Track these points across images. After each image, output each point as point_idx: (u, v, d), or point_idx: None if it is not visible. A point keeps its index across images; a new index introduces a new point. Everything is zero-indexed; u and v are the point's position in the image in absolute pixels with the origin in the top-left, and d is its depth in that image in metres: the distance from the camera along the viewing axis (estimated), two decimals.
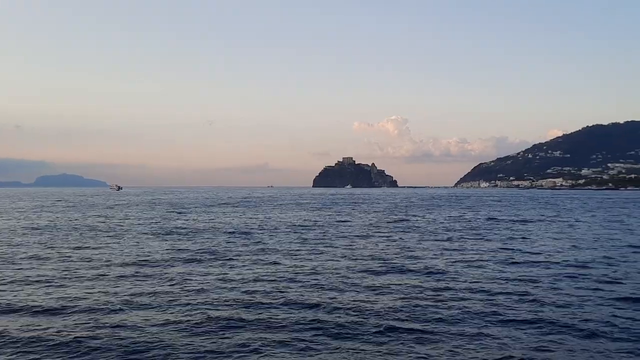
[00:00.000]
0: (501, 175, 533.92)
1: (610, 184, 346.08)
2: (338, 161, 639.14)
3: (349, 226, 45.21)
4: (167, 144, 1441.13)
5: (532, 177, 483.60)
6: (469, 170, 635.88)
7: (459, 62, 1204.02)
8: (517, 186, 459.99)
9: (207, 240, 33.30)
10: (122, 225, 44.49)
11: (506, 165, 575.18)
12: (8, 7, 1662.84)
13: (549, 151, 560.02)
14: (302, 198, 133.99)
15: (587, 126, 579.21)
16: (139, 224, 45.68)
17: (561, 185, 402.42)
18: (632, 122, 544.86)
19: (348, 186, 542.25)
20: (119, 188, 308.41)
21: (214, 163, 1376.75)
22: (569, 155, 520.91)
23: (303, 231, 39.86)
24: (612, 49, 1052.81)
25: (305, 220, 52.77)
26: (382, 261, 24.47)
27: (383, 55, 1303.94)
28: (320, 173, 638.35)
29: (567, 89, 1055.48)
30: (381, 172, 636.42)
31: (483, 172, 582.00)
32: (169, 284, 18.88)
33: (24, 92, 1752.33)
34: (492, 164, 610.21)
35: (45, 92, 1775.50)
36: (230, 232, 38.55)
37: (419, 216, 59.92)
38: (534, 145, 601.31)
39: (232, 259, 24.96)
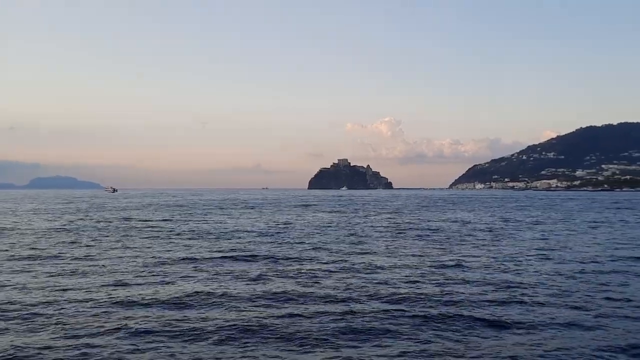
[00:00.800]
0: (496, 176, 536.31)
1: (605, 185, 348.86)
2: (333, 163, 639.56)
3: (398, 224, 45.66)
4: (160, 145, 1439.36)
5: (526, 179, 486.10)
6: (464, 172, 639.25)
7: (452, 64, 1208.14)
8: (512, 187, 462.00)
9: (277, 241, 33.61)
10: (171, 228, 44.72)
11: (500, 166, 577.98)
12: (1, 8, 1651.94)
13: (543, 152, 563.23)
14: (312, 200, 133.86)
15: (581, 128, 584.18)
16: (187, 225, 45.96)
17: (556, 186, 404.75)
18: (625, 123, 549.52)
19: (344, 188, 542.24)
20: (114, 190, 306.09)
21: (207, 164, 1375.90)
22: (563, 157, 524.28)
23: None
24: (605, 51, 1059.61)
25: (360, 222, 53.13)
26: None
27: (376, 56, 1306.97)
28: (315, 175, 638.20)
29: (560, 90, 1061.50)
30: (376, 174, 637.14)
31: (478, 174, 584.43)
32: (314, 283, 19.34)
33: (19, 93, 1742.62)
34: (486, 165, 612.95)
35: (40, 94, 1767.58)
36: (275, 233, 38.87)
37: (446, 217, 60.25)
38: (528, 146, 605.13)
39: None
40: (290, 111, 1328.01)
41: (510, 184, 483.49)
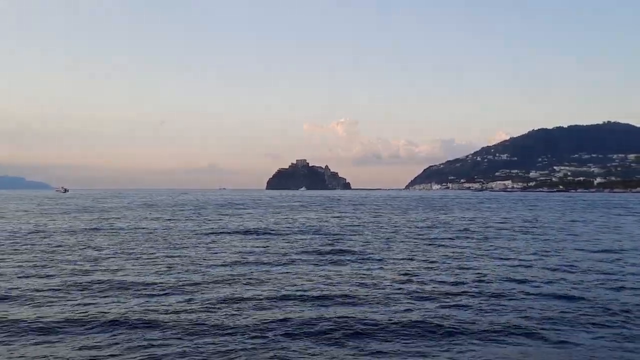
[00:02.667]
0: (452, 177, 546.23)
1: (560, 187, 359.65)
2: (292, 163, 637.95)
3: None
4: (112, 145, 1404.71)
5: (482, 180, 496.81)
6: (419, 173, 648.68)
7: (408, 64, 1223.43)
8: (469, 188, 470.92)
9: (288, 240, 31.49)
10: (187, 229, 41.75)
11: (455, 167, 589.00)
12: None
13: (497, 154, 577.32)
14: (294, 200, 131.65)
15: (533, 130, 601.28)
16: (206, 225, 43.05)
17: (512, 187, 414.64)
18: (576, 126, 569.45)
19: (302, 188, 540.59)
20: (65, 190, 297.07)
21: (160, 164, 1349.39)
22: (516, 159, 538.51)
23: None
24: (557, 55, 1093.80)
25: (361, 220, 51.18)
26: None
27: (334, 56, 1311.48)
28: (273, 175, 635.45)
29: (512, 92, 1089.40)
30: (334, 174, 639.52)
31: (433, 175, 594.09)
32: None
33: None
34: (442, 166, 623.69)
35: None
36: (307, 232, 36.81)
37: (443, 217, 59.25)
38: (482, 148, 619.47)
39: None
40: (246, 111, 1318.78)
41: (466, 185, 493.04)
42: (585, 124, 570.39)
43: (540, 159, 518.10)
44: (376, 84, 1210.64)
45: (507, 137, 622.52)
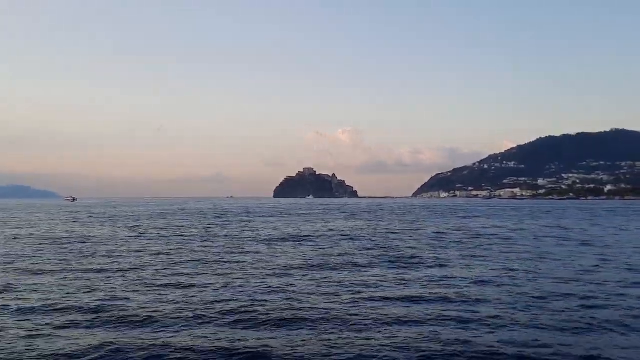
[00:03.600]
0: (459, 185, 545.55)
1: (570, 194, 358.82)
2: (299, 171, 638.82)
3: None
4: (118, 154, 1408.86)
5: (490, 187, 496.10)
6: (426, 181, 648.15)
7: (410, 74, 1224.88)
8: (476, 196, 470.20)
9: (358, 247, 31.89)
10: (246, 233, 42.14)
11: (463, 175, 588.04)
12: None
13: (504, 162, 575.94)
14: (310, 208, 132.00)
15: (540, 137, 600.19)
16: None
17: (522, 195, 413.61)
18: (583, 133, 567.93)
19: (310, 196, 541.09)
20: (74, 199, 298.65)
21: (166, 173, 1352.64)
22: (523, 166, 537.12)
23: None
24: (563, 62, 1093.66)
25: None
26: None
27: (337, 65, 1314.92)
28: (280, 183, 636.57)
29: (518, 100, 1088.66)
30: (341, 183, 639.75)
31: (440, 183, 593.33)
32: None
33: None
34: (449, 174, 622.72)
35: None
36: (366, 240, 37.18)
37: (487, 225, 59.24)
38: (489, 155, 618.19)
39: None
40: (251, 120, 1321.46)
41: (474, 193, 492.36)
42: (593, 131, 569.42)
43: (548, 167, 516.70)
44: (379, 92, 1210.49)
45: (514, 145, 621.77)
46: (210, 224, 60.51)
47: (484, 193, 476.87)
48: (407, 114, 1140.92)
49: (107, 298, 17.05)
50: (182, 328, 13.43)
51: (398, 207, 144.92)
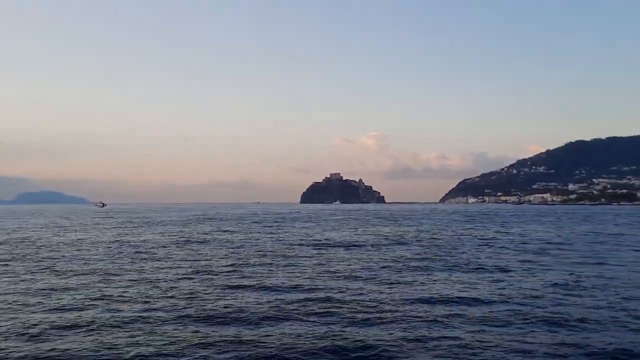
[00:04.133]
0: (488, 190, 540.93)
1: (602, 199, 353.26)
2: (326, 177, 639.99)
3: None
4: (145, 160, 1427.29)
5: (519, 193, 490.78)
6: (453, 186, 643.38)
7: (436, 78, 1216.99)
8: (505, 202, 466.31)
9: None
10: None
11: (491, 180, 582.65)
12: None
13: (533, 167, 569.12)
14: (344, 214, 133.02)
15: (570, 142, 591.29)
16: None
17: (552, 200, 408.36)
18: (614, 137, 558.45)
19: (337, 202, 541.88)
20: (103, 205, 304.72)
21: (192, 179, 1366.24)
22: (553, 171, 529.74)
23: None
24: (591, 64, 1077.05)
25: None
26: None
27: (363, 71, 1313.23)
28: (307, 189, 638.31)
29: (544, 104, 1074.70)
30: (368, 188, 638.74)
31: (468, 188, 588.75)
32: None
33: (6, 108, 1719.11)
34: (476, 179, 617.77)
35: (27, 109, 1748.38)
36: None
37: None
38: (518, 161, 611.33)
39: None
40: (276, 126, 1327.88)
41: (503, 198, 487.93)
42: (623, 135, 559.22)
43: (578, 172, 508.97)
44: (404, 98, 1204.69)
45: (542, 150, 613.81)
46: (257, 229, 61.97)
47: (513, 198, 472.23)
48: (433, 119, 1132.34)
49: (194, 297, 18.66)
50: (270, 325, 14.65)
51: (431, 213, 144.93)
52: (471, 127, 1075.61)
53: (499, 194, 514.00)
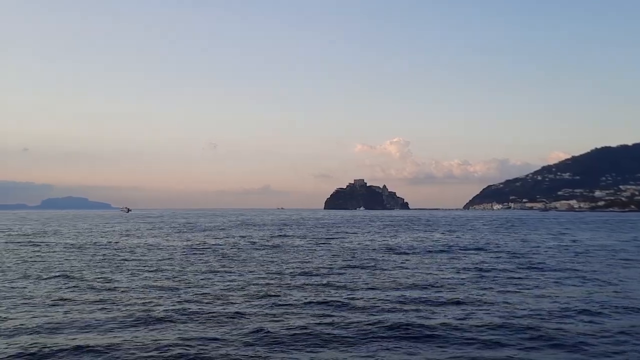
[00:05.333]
0: (513, 197, 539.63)
1: (632, 206, 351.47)
2: (349, 183, 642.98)
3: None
4: (169, 167, 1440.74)
5: (544, 199, 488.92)
6: (478, 192, 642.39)
7: (458, 84, 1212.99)
8: (531, 208, 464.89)
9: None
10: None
11: (515, 187, 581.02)
12: (12, 29, 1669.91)
13: (558, 173, 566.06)
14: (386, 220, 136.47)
15: (596, 148, 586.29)
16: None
17: (579, 207, 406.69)
18: None
19: (361, 208, 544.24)
20: (128, 210, 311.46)
21: (215, 185, 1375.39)
22: (578, 177, 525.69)
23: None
24: (614, 72, 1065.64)
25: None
26: None
27: (384, 77, 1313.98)
28: (331, 195, 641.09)
29: (567, 111, 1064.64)
30: (392, 194, 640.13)
31: (493, 194, 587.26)
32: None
33: (32, 115, 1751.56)
34: (501, 185, 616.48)
35: (52, 115, 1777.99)
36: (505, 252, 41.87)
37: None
38: (543, 167, 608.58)
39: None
40: (298, 133, 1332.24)
41: (529, 205, 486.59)
42: None
43: (604, 178, 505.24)
44: (426, 104, 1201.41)
45: (567, 156, 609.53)
46: (317, 234, 65.90)
47: (539, 205, 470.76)
48: (454, 125, 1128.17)
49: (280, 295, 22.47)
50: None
51: (467, 219, 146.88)
52: (493, 134, 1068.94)
53: (524, 200, 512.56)
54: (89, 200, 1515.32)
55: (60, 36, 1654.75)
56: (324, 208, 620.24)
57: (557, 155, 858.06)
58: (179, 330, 16.02)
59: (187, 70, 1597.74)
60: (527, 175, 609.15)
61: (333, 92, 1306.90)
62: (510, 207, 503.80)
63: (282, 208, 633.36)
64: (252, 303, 20.20)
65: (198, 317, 17.81)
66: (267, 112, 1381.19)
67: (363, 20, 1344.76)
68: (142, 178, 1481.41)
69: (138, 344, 14.40)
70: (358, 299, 21.15)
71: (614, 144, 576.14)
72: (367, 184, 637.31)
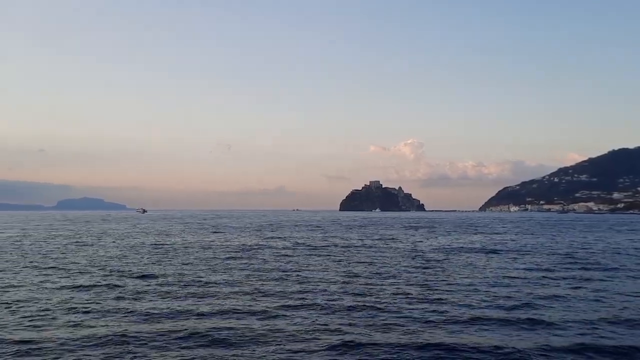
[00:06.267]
0: (530, 199, 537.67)
1: None
2: (365, 184, 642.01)
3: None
4: (184, 168, 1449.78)
5: (562, 201, 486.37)
6: (493, 194, 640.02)
7: (470, 86, 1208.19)
8: (549, 210, 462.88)
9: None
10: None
11: (532, 189, 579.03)
12: (32, 32, 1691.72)
13: (575, 175, 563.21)
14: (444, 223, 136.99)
15: (613, 150, 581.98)
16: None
17: (599, 209, 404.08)
18: None
19: (377, 210, 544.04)
20: (144, 211, 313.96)
21: (229, 187, 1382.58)
22: (595, 179, 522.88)
23: None
24: (630, 73, 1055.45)
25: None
26: None
27: (397, 79, 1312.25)
28: (347, 196, 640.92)
29: (583, 112, 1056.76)
30: (408, 196, 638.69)
31: (509, 196, 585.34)
32: None
33: (48, 116, 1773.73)
34: (517, 187, 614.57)
35: (69, 117, 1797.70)
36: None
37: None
38: (559, 169, 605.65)
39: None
40: (312, 134, 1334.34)
41: (546, 207, 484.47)
42: None
43: (622, 180, 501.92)
44: (439, 105, 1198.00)
45: (583, 158, 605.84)
46: (362, 236, 66.71)
47: (557, 207, 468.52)
48: (468, 126, 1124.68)
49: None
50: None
51: (491, 221, 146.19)
52: (507, 135, 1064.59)
53: (541, 202, 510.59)
54: (105, 201, 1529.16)
55: (76, 37, 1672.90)
56: (340, 209, 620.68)
57: (573, 156, 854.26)
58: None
59: (194, 70, 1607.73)
60: (543, 177, 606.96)
61: (345, 93, 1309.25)
62: (527, 209, 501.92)
63: (297, 209, 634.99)
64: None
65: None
66: (280, 112, 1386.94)
67: (374, 22, 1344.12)
68: (158, 179, 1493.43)
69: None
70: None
71: (631, 146, 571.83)
72: (383, 186, 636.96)
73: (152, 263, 35.32)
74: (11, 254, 42.48)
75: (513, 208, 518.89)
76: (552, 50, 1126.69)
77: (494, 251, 45.64)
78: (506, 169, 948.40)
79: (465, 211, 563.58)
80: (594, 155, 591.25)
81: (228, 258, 38.75)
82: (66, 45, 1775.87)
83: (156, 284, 25.68)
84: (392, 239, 64.44)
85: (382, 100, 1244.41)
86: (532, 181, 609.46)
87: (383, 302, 20.95)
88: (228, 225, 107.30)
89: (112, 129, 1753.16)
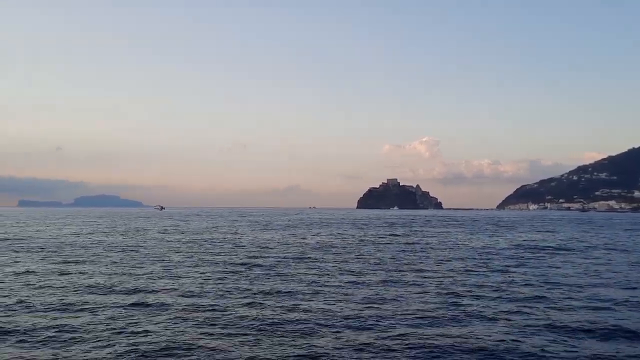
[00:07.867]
0: (549, 197, 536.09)
1: None
2: (382, 182, 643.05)
3: None
4: (199, 166, 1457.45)
5: (582, 200, 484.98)
6: (511, 192, 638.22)
7: (486, 84, 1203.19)
8: (568, 208, 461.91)
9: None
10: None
11: (550, 187, 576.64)
12: (46, 33, 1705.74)
13: (595, 173, 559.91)
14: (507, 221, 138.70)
15: (633, 148, 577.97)
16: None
17: (620, 208, 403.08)
18: None
19: (395, 208, 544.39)
20: (162, 208, 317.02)
21: (244, 185, 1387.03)
22: (615, 178, 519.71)
23: None
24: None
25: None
26: None
27: (413, 76, 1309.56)
28: (364, 195, 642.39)
29: (600, 110, 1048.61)
30: (426, 194, 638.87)
31: (527, 194, 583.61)
32: None
33: (65, 114, 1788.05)
34: (535, 185, 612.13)
35: (86, 115, 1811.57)
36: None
37: None
38: (578, 167, 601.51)
39: None
40: (327, 133, 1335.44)
41: (565, 205, 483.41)
42: None
43: None
44: (455, 103, 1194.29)
45: (602, 156, 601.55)
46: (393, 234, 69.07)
47: (577, 205, 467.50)
48: (484, 124, 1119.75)
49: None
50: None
51: (520, 219, 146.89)
52: (524, 134, 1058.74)
53: (560, 200, 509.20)
54: (121, 198, 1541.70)
55: (92, 37, 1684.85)
56: (357, 207, 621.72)
57: (590, 155, 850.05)
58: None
59: (212, 70, 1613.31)
60: (562, 175, 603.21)
61: (359, 91, 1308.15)
62: (546, 208, 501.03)
63: (314, 207, 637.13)
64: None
65: None
66: (296, 112, 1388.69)
67: (387, 20, 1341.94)
68: (173, 177, 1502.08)
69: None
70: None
71: None
72: (400, 184, 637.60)
73: (302, 258, 37.64)
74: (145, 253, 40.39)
75: (532, 206, 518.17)
76: (568, 48, 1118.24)
77: (581, 249, 47.51)
78: (522, 168, 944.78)
79: (484, 209, 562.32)
80: (612, 154, 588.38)
81: (337, 253, 41.29)
82: (83, 43, 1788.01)
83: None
84: (445, 235, 66.64)
85: (396, 99, 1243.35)
86: (551, 179, 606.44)
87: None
88: (273, 223, 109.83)
89: (127, 127, 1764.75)
